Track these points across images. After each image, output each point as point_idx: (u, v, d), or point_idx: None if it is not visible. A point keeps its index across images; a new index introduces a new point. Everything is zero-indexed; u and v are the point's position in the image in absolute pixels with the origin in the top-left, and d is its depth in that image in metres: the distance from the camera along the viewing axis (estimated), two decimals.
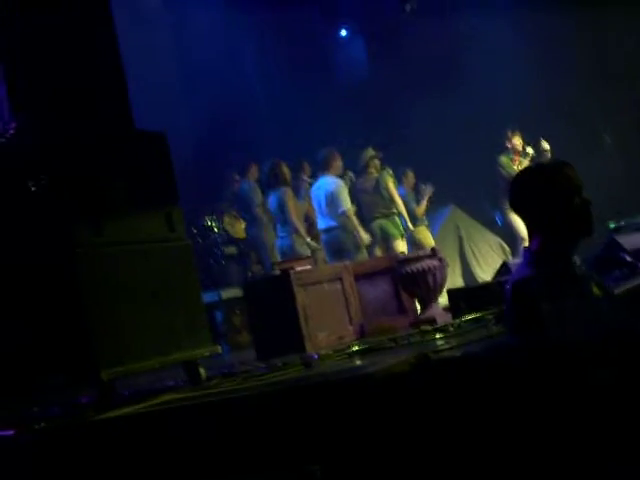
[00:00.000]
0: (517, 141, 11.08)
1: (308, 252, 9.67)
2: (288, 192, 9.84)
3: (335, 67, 14.12)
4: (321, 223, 10.05)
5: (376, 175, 10.64)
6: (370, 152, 10.73)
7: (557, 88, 12.23)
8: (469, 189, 11.98)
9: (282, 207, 9.77)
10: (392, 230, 10.44)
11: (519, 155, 11.07)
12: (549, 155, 10.74)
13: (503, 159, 11.05)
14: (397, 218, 10.56)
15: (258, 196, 10.61)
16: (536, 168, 3.65)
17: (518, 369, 3.21)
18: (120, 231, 4.57)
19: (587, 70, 12.44)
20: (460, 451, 3.14)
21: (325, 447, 3.27)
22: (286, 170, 9.97)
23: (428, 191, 11.59)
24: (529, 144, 11.02)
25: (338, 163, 10.12)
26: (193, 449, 3.45)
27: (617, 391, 3.14)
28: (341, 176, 10.26)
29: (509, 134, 11.12)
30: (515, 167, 10.81)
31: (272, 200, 9.95)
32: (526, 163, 10.74)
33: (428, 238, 11.25)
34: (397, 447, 3.12)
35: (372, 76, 13.91)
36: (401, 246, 10.29)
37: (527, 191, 3.50)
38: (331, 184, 9.98)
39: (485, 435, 3.15)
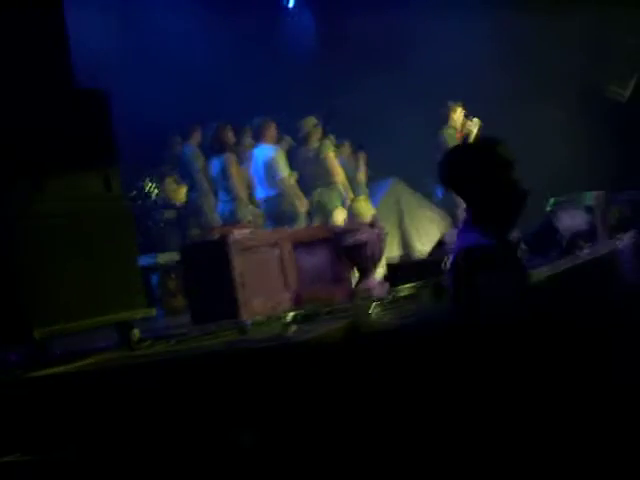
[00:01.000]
0: (459, 114, 11.10)
1: (250, 218, 9.64)
2: (231, 158, 9.78)
3: (282, 37, 14.02)
4: (260, 192, 10.04)
5: (317, 145, 10.62)
6: (312, 120, 10.70)
7: (503, 65, 12.26)
8: (411, 163, 11.99)
9: (225, 173, 9.71)
10: (332, 199, 10.44)
11: (461, 129, 11.09)
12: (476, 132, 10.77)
13: (445, 129, 11.07)
14: (337, 188, 10.56)
15: (199, 161, 10.54)
16: (466, 146, 3.70)
17: (447, 341, 3.24)
18: (56, 189, 4.51)
19: (533, 46, 12.49)
20: (388, 421, 3.16)
21: (255, 413, 3.27)
22: (230, 135, 9.90)
23: (362, 156, 11.65)
24: (471, 117, 11.05)
25: (272, 132, 10.10)
26: (123, 410, 3.43)
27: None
28: (277, 143, 10.23)
29: (451, 107, 11.14)
30: (459, 136, 10.85)
31: (215, 165, 9.88)
32: (473, 133, 10.77)
33: (368, 209, 11.26)
34: (326, 414, 3.13)
35: (319, 47, 13.84)
36: (340, 216, 10.30)
37: (458, 168, 3.53)
38: (268, 152, 9.97)
39: (412, 404, 3.18)
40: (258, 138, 10.12)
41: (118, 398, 3.46)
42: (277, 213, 9.92)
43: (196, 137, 10.80)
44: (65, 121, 4.64)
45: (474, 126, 10.91)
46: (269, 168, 9.89)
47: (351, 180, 11.17)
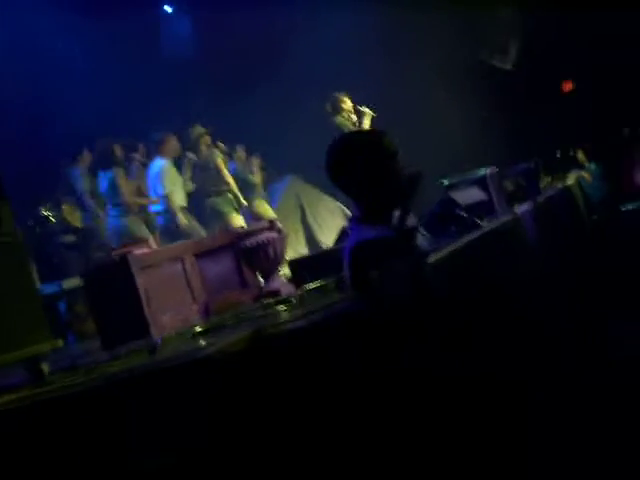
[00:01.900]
0: (348, 104, 11.13)
1: (144, 231, 9.61)
2: (119, 172, 9.73)
3: (161, 43, 13.91)
4: (153, 207, 10.04)
5: (206, 153, 10.65)
6: (198, 129, 10.73)
7: (386, 51, 12.38)
8: (305, 157, 12.04)
9: (114, 188, 9.66)
10: (224, 206, 10.50)
11: (354, 114, 11.12)
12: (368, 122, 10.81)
13: (338, 119, 11.08)
14: (229, 194, 10.61)
15: (85, 183, 10.50)
16: (347, 137, 3.71)
17: (352, 337, 3.26)
18: None
19: (413, 29, 12.63)
20: (301, 429, 3.17)
21: (170, 435, 3.25)
22: (118, 151, 9.84)
23: (255, 161, 11.73)
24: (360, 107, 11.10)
25: (172, 145, 10.09)
26: (33, 449, 3.37)
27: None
28: (179, 158, 10.24)
29: (339, 97, 11.16)
30: (352, 125, 10.88)
31: (103, 181, 9.84)
32: (366, 121, 10.80)
33: (267, 210, 11.34)
34: (239, 429, 3.12)
35: (199, 53, 13.77)
36: (237, 221, 10.34)
37: (342, 160, 3.55)
38: (156, 167, 10.01)
39: (326, 406, 3.19)
40: (157, 151, 10.10)
41: (28, 437, 3.41)
42: (166, 228, 9.97)
43: (85, 159, 10.72)
44: None
45: (366, 116, 10.95)
46: (156, 183, 9.92)
47: (247, 184, 11.22)
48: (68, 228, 10.27)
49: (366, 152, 3.51)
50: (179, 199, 10.26)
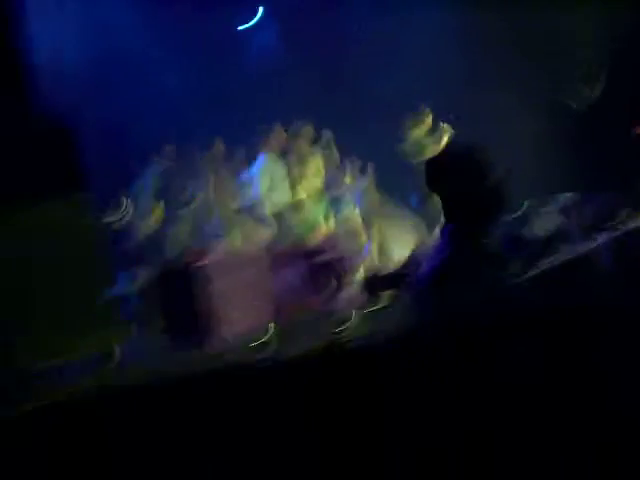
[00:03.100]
0: (428, 121, 10.97)
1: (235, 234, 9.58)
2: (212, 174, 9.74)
3: (247, 51, 13.95)
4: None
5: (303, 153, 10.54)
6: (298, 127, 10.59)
7: (467, 71, 12.28)
8: (386, 171, 12.01)
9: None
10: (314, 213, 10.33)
11: (432, 135, 10.99)
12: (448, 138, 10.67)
13: (415, 134, 10.92)
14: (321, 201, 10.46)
15: (156, 182, 10.52)
16: (448, 150, 3.69)
17: (429, 357, 3.22)
18: (24, 218, 4.48)
19: (501, 49, 12.52)
20: (369, 439, 3.13)
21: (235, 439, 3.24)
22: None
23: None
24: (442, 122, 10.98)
25: (278, 138, 9.96)
26: (108, 437, 3.39)
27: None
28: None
29: (419, 114, 10.97)
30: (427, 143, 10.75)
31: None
32: (444, 140, 10.67)
33: (356, 220, 11.25)
34: (307, 435, 3.10)
35: (285, 61, 13.77)
36: (324, 230, 10.17)
37: (441, 172, 3.54)
38: (257, 164, 9.90)
39: (394, 421, 3.16)
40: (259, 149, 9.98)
41: (103, 425, 3.43)
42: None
43: (167, 159, 10.75)
44: (30, 149, 4.62)
45: (445, 133, 10.82)
46: (253, 181, 9.84)
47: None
48: (141, 227, 10.34)
49: (461, 168, 3.48)
50: (276, 199, 9.96)
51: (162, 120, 11.25)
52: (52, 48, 8.78)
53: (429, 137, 10.71)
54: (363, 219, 11.48)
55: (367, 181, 11.72)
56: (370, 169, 11.66)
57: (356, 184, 11.53)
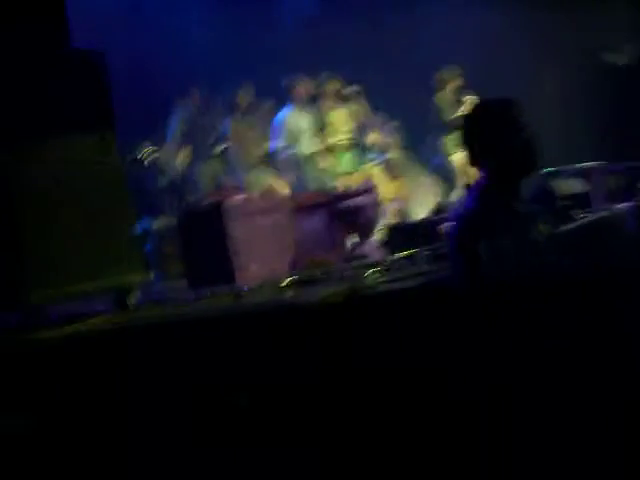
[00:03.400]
0: (456, 84, 10.88)
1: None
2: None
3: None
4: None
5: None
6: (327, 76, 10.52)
7: (495, 35, 12.16)
8: (406, 130, 11.94)
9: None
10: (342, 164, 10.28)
11: (458, 94, 10.89)
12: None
13: (438, 97, 10.83)
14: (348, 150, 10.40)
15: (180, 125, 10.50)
16: (484, 104, 3.67)
17: (450, 306, 3.22)
18: (52, 151, 4.47)
19: (527, 14, 12.40)
20: (388, 391, 3.15)
21: (254, 376, 3.26)
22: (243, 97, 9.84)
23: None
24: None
25: (303, 89, 9.93)
26: (119, 373, 3.42)
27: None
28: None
29: (448, 72, 10.89)
30: (450, 107, 10.67)
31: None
32: (464, 109, 10.58)
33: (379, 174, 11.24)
34: (324, 380, 3.12)
35: (321, 12, 13.65)
36: (349, 180, 10.13)
37: (475, 126, 3.53)
38: (280, 115, 9.88)
39: (414, 373, 3.17)
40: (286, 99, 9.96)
41: (116, 361, 3.46)
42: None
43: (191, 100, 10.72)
44: (61, 83, 4.59)
45: (468, 102, 10.68)
46: (275, 132, 9.83)
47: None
48: (165, 168, 10.35)
49: (497, 120, 3.47)
50: (301, 148, 9.94)
51: (190, 66, 11.28)
52: None
53: (458, 95, 10.64)
54: (387, 175, 11.49)
55: (393, 138, 11.71)
56: (396, 126, 11.66)
57: (383, 140, 11.51)
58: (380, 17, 12.42)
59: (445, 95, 10.82)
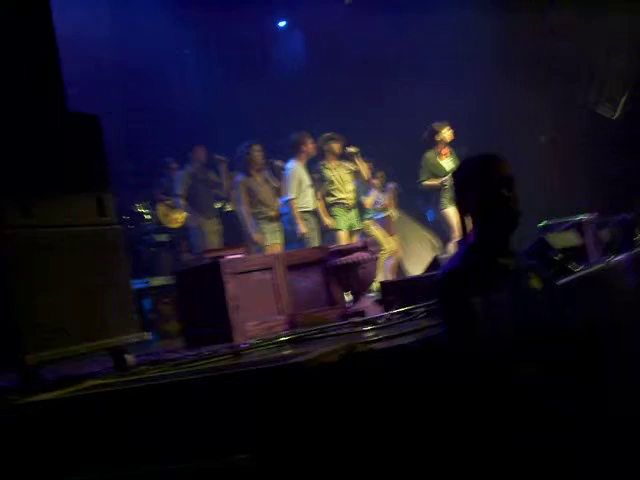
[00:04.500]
0: (445, 134, 10.98)
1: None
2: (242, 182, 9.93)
3: (273, 59, 14.03)
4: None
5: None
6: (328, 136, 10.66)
7: (485, 83, 12.28)
8: (402, 183, 12.03)
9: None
10: (338, 222, 10.38)
11: (446, 148, 10.99)
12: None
13: (428, 155, 10.98)
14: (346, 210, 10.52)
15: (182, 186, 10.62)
16: (471, 158, 3.70)
17: (446, 362, 3.23)
18: (49, 214, 4.49)
19: (520, 63, 12.53)
20: (388, 442, 3.15)
21: (255, 436, 3.26)
22: (256, 155, 9.98)
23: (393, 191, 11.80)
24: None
25: (307, 146, 10.09)
26: (118, 434, 3.41)
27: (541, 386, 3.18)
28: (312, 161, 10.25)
29: (436, 128, 11.01)
30: (442, 161, 10.79)
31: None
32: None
33: (379, 233, 11.36)
34: (325, 436, 3.12)
35: (310, 69, 13.84)
36: (345, 239, 10.25)
37: (463, 180, 3.57)
38: (286, 170, 10.06)
39: (411, 427, 3.17)
40: (292, 153, 10.15)
41: (113, 423, 3.45)
42: (287, 232, 10.01)
43: (196, 160, 10.83)
44: (58, 146, 4.63)
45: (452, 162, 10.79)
46: (284, 187, 10.01)
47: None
48: (161, 227, 10.42)
49: (482, 176, 3.50)
50: (305, 203, 10.12)
51: (187, 125, 11.40)
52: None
53: (438, 156, 10.74)
54: (384, 232, 11.59)
55: (390, 195, 11.82)
56: (393, 184, 11.78)
57: (380, 197, 11.63)
58: (371, 70, 12.61)
59: (436, 150, 10.90)
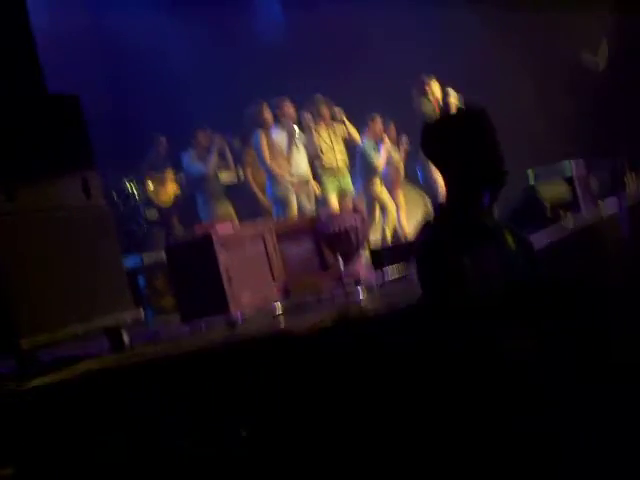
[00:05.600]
0: (435, 87, 10.84)
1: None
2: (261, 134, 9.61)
3: (251, 31, 13.89)
4: None
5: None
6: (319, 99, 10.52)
7: (473, 37, 12.24)
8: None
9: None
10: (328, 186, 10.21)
11: (440, 101, 10.86)
12: (455, 106, 10.50)
13: (423, 103, 10.73)
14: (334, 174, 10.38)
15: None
16: (447, 116, 3.62)
17: (436, 326, 3.22)
18: (34, 198, 4.47)
19: (504, 17, 12.46)
20: (380, 411, 3.14)
21: (252, 407, 3.26)
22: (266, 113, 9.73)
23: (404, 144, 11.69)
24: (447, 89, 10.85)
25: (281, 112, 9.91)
26: (117, 415, 3.41)
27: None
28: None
29: (425, 80, 10.83)
30: (436, 109, 10.63)
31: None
32: (452, 105, 10.55)
33: (385, 194, 11.24)
34: (320, 406, 3.11)
35: (288, 39, 13.70)
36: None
37: (438, 139, 3.47)
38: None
39: (405, 394, 3.16)
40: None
41: (112, 404, 3.44)
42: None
43: (200, 142, 10.65)
44: (38, 128, 4.60)
45: (452, 97, 10.64)
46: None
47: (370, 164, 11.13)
48: (151, 203, 10.37)
49: (462, 129, 3.41)
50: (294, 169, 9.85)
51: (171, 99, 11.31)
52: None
53: (434, 104, 10.63)
54: (389, 191, 11.47)
55: (400, 154, 11.73)
56: (404, 142, 11.67)
57: (392, 153, 11.51)
58: (352, 33, 12.53)
59: (429, 100, 10.76)
